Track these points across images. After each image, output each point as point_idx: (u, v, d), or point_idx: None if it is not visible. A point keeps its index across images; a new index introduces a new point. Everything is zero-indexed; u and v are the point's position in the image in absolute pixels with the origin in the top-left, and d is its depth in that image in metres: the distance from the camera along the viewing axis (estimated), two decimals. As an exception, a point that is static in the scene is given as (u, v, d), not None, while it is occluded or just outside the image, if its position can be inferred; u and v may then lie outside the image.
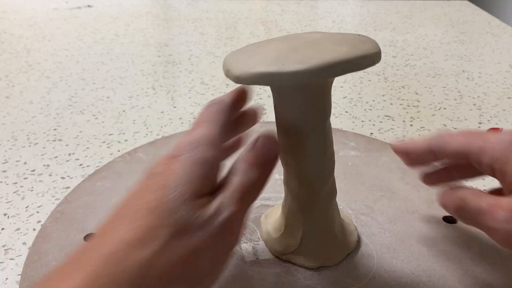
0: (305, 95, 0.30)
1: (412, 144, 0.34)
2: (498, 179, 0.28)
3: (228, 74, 0.28)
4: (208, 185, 0.25)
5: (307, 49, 0.27)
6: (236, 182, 0.26)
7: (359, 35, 0.30)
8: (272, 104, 0.32)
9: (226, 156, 0.30)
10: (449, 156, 0.31)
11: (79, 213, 0.41)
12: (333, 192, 0.35)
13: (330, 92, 0.31)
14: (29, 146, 0.54)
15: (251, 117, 0.34)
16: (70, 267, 0.22)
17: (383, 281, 0.33)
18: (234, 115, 0.30)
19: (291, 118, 0.31)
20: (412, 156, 0.34)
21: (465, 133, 0.30)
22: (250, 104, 0.33)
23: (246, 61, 0.28)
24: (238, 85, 0.30)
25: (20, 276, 0.35)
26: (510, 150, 0.27)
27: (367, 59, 0.27)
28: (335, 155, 0.33)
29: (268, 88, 0.69)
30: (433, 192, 0.43)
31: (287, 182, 0.34)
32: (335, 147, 0.33)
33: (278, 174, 0.46)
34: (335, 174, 0.34)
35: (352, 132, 0.55)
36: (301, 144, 0.31)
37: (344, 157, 0.49)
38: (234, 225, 0.25)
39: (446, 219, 0.39)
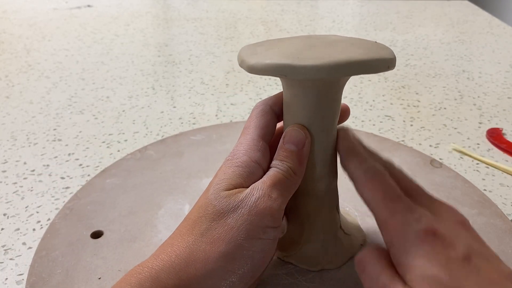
0: (316, 94, 0.29)
1: (350, 153, 0.32)
2: (396, 264, 0.26)
3: (242, 64, 0.29)
4: (244, 180, 0.29)
5: (324, 48, 0.28)
6: (267, 175, 0.29)
7: (376, 42, 0.30)
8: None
9: (268, 152, 0.31)
10: (360, 196, 0.31)
11: (87, 209, 0.41)
12: (336, 195, 0.34)
13: (341, 95, 0.31)
14: (29, 146, 0.54)
15: None
16: (150, 257, 0.28)
17: None
18: (276, 115, 0.33)
19: (300, 117, 0.31)
20: None
21: (384, 188, 0.28)
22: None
23: (262, 53, 0.28)
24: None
25: (20, 276, 0.35)
26: (413, 240, 0.25)
27: (382, 63, 0.27)
28: None
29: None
30: (443, 196, 0.43)
31: None
32: None
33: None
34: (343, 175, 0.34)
35: (364, 132, 0.55)
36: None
37: None
38: (264, 204, 0.28)
39: None
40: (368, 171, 0.29)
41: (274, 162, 0.30)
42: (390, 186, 0.28)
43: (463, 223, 0.27)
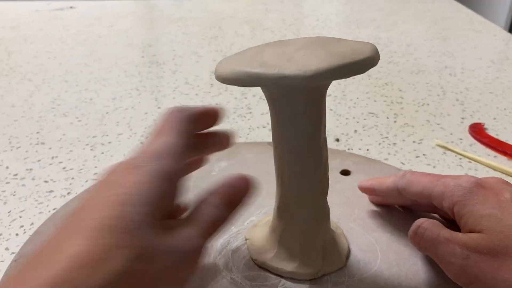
0: (297, 102, 0.29)
1: (379, 183, 0.38)
2: (456, 220, 0.32)
3: (215, 74, 0.28)
4: (169, 204, 0.24)
5: (301, 54, 0.27)
6: (208, 215, 0.25)
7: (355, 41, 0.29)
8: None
9: (186, 173, 0.28)
10: (413, 196, 0.35)
11: None
12: (327, 207, 0.34)
13: (324, 100, 0.30)
14: (11, 150, 0.53)
15: (222, 140, 0.32)
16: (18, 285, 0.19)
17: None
18: (199, 129, 0.29)
19: (284, 127, 0.30)
20: (377, 194, 0.39)
21: (428, 177, 0.34)
22: (226, 127, 0.32)
23: (235, 64, 0.28)
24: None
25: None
26: (466, 196, 0.31)
27: (364, 63, 0.27)
28: None
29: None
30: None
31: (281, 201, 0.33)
32: None
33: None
34: None
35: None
36: (295, 155, 0.31)
37: None
38: (198, 256, 0.24)
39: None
40: (405, 176, 0.35)
41: (212, 199, 0.26)
42: (428, 174, 0.35)
43: (504, 181, 0.33)
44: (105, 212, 0.21)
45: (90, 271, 0.19)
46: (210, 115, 0.30)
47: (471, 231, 0.30)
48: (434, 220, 0.32)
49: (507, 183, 0.32)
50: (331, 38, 0.30)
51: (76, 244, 0.20)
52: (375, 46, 0.29)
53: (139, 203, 0.21)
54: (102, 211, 0.21)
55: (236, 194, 0.27)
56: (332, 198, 0.32)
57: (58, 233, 0.21)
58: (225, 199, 0.26)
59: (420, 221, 0.32)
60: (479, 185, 0.31)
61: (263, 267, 0.34)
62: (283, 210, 0.33)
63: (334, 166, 0.47)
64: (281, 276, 0.34)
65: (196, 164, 0.32)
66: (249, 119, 0.59)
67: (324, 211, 0.33)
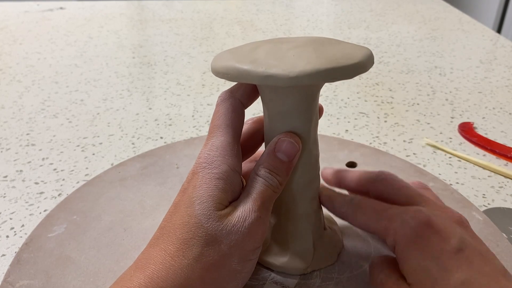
0: (287, 100, 0.29)
1: (329, 198, 0.33)
2: (398, 260, 0.28)
3: (221, 74, 0.28)
4: (228, 195, 0.28)
5: (305, 52, 0.27)
6: (257, 189, 0.28)
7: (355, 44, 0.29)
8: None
9: (245, 159, 0.31)
10: (360, 227, 0.31)
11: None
12: (319, 204, 0.34)
13: (315, 101, 0.31)
14: (1, 151, 0.52)
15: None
16: (132, 271, 0.26)
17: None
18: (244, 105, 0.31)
19: (275, 124, 0.30)
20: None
21: (376, 206, 0.30)
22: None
23: (228, 58, 0.28)
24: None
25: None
26: (408, 237, 0.27)
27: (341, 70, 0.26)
28: None
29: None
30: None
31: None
32: None
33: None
34: None
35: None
36: None
37: None
38: (257, 228, 0.27)
39: None
40: (353, 201, 0.31)
41: (261, 172, 0.28)
42: (378, 203, 0.31)
43: (460, 221, 0.29)
44: (180, 213, 0.27)
45: (176, 259, 0.26)
46: (250, 96, 0.31)
47: (405, 279, 0.27)
48: (390, 261, 0.29)
49: (460, 222, 0.28)
50: (331, 39, 0.30)
51: (166, 241, 0.27)
52: (370, 52, 0.28)
53: (199, 202, 0.27)
54: (179, 212, 0.27)
55: (280, 160, 0.29)
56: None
57: (157, 233, 0.28)
58: (270, 168, 0.29)
59: (377, 261, 0.30)
60: (427, 224, 0.27)
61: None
62: (275, 206, 0.34)
63: (341, 158, 0.48)
64: (272, 270, 0.34)
65: (256, 145, 0.34)
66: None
67: (315, 208, 0.34)
